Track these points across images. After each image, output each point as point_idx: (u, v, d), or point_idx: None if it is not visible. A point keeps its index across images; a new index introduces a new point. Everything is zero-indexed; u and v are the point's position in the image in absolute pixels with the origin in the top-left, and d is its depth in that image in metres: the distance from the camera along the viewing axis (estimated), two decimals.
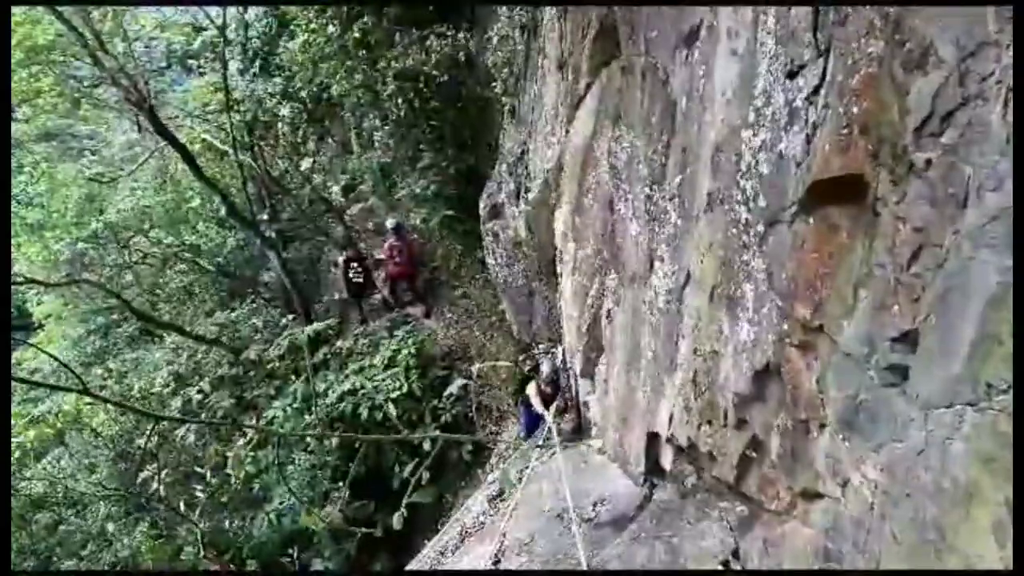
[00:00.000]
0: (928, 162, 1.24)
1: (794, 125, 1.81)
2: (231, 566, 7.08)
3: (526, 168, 7.73)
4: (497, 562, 5.07)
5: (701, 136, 2.66)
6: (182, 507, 5.95)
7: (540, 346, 9.00)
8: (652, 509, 4.09)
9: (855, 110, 1.44)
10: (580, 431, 6.44)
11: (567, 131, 6.11)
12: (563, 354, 8.16)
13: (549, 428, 5.84)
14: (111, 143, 11.43)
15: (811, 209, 1.79)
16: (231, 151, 9.49)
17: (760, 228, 2.16)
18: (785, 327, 2.05)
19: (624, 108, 4.14)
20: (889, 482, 1.51)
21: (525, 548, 5.07)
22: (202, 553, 6.42)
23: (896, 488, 1.48)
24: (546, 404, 6.17)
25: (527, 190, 7.58)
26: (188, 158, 8.12)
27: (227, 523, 7.33)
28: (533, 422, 6.40)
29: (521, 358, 9.36)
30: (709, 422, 3.23)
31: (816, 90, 1.65)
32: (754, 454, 2.62)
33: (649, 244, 3.80)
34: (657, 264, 3.67)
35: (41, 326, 13.14)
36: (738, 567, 3.10)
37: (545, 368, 6.21)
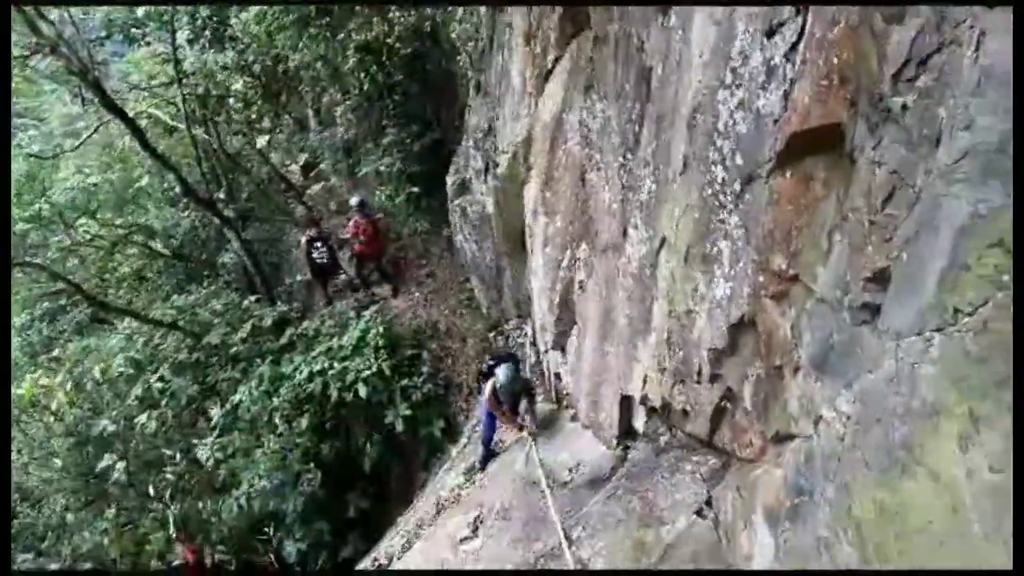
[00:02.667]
0: (904, 107, 1.34)
1: (771, 82, 1.89)
2: (205, 549, 6.95)
3: (494, 143, 7.70)
4: (476, 528, 5.18)
5: (677, 100, 2.73)
6: (151, 491, 5.76)
7: (502, 336, 9.05)
8: (627, 468, 4.25)
9: (835, 60, 1.52)
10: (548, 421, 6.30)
11: (536, 104, 6.11)
12: (531, 330, 8.27)
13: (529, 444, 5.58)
14: (49, 118, 10.66)
15: (787, 163, 1.89)
16: (182, 126, 9.04)
17: (736, 186, 2.25)
18: (761, 279, 2.16)
19: (596, 78, 4.17)
20: (861, 412, 1.64)
21: (502, 513, 5.19)
22: (173, 535, 6.25)
23: (867, 416, 1.60)
24: (511, 409, 5.90)
25: (495, 165, 7.56)
26: (137, 132, 7.69)
27: (199, 506, 7.15)
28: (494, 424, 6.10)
29: (491, 334, 9.43)
30: (683, 381, 3.37)
31: (794, 46, 1.73)
32: (728, 405, 2.76)
33: (623, 212, 3.88)
34: (631, 231, 3.76)
35: None
36: (710, 515, 3.28)
37: (501, 376, 5.54)
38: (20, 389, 6.72)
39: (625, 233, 3.90)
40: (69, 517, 7.16)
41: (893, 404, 1.47)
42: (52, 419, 7.84)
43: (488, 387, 5.67)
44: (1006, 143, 1.09)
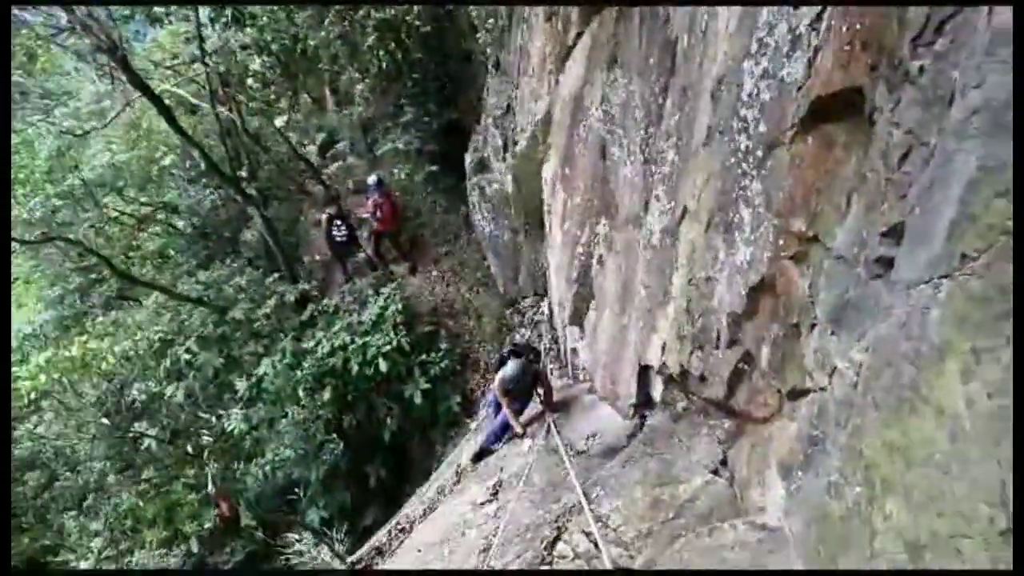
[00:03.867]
0: (921, 68, 1.44)
1: (796, 51, 1.99)
2: (239, 508, 7.28)
3: (513, 121, 7.78)
4: (496, 493, 5.39)
5: (702, 72, 2.83)
6: (189, 449, 6.05)
7: (519, 314, 9.16)
8: (644, 435, 4.41)
9: (857, 27, 1.62)
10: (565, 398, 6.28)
11: (556, 82, 6.18)
12: (548, 307, 8.42)
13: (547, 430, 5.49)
14: (78, 96, 10.90)
15: (810, 129, 2.00)
16: (205, 105, 9.20)
17: (759, 154, 2.36)
18: (781, 242, 2.28)
19: (620, 53, 4.25)
20: (872, 359, 1.77)
21: (521, 479, 5.38)
22: (212, 490, 6.58)
23: (878, 362, 1.73)
24: (521, 404, 5.84)
25: (514, 143, 7.65)
26: (164, 110, 7.87)
27: (232, 466, 7.47)
28: (505, 424, 5.91)
29: (508, 312, 9.60)
30: (701, 347, 3.50)
31: (819, 15, 1.82)
32: (745, 367, 2.89)
33: (644, 185, 3.99)
34: (652, 203, 3.87)
35: None
36: (725, 474, 3.44)
37: (509, 369, 5.54)
38: (71, 352, 7.03)
39: (646, 206, 4.00)
40: (109, 479, 7.52)
41: (903, 349, 1.59)
42: (101, 381, 8.15)
43: (497, 378, 5.69)
44: (1012, 102, 1.20)
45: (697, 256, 3.25)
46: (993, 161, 1.26)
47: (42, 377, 6.60)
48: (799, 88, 2.00)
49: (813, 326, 2.18)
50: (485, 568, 4.06)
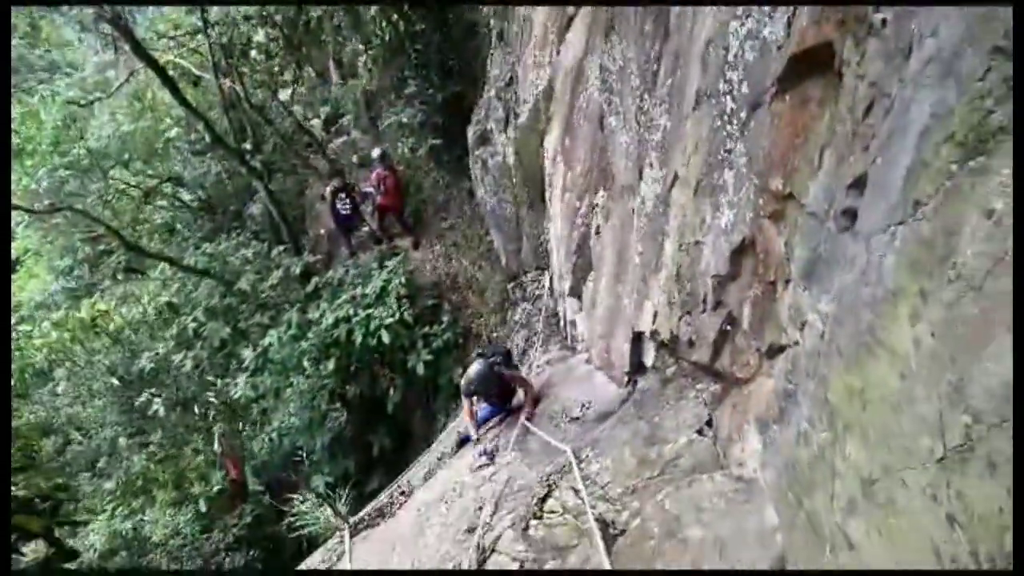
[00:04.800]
0: (884, 21, 1.48)
1: (777, 11, 2.03)
2: (246, 471, 7.53)
3: (515, 93, 7.76)
4: (493, 456, 5.55)
5: (693, 35, 2.85)
6: (196, 410, 6.26)
7: (520, 288, 9.20)
8: (634, 399, 4.53)
9: None
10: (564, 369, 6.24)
11: (557, 52, 6.17)
12: (549, 280, 8.50)
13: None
14: (83, 67, 10.93)
15: (788, 87, 2.04)
16: (208, 76, 9.22)
17: (743, 115, 2.41)
18: (760, 202, 2.34)
19: (617, 20, 4.25)
20: (837, 309, 1.85)
21: (517, 445, 5.55)
22: (219, 452, 6.81)
23: (842, 311, 1.81)
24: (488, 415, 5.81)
25: (516, 115, 7.65)
26: (167, 81, 7.91)
27: (239, 429, 7.71)
28: (485, 416, 5.86)
29: (510, 286, 9.70)
30: (690, 312, 3.58)
31: None
32: (729, 328, 2.98)
33: (639, 154, 4.03)
34: (646, 171, 3.92)
35: (19, 262, 12.99)
36: (709, 434, 3.55)
37: (472, 371, 5.44)
38: (80, 313, 7.23)
39: (640, 174, 4.05)
40: (121, 442, 7.79)
41: (863, 295, 1.67)
42: (109, 341, 8.38)
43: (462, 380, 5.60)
44: (961, 50, 1.25)
45: (687, 222, 3.31)
46: (942, 108, 1.31)
47: (53, 335, 6.79)
48: (779, 47, 2.04)
49: (788, 282, 2.26)
50: (481, 523, 4.23)
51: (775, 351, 2.54)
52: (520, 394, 5.83)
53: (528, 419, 5.30)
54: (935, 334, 1.39)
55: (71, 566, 6.12)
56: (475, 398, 5.69)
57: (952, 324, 1.32)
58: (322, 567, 5.40)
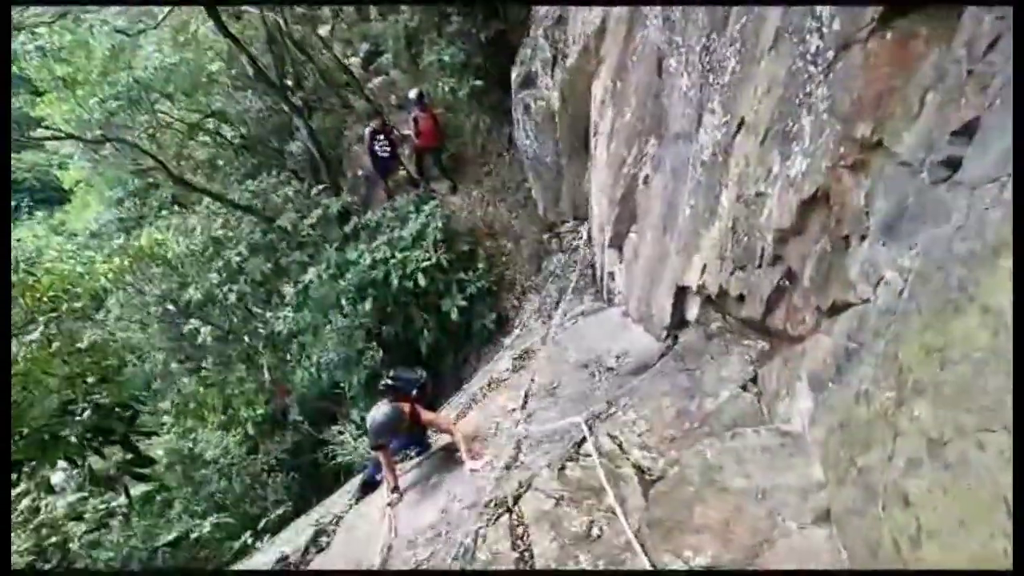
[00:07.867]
0: None
1: None
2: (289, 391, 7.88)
3: (564, 33, 7.42)
4: (525, 403, 5.66)
5: None
6: (247, 339, 6.54)
7: (557, 238, 9.06)
8: (675, 352, 4.52)
9: None
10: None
11: None
12: (587, 230, 8.37)
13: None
14: None
15: (890, 22, 1.88)
16: (250, 9, 9.06)
17: (830, 55, 2.24)
18: (841, 150, 2.21)
19: None
20: (922, 264, 1.76)
21: (550, 390, 5.64)
22: (268, 379, 7.16)
23: (928, 266, 1.73)
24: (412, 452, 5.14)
25: (564, 57, 7.34)
26: (212, 11, 7.80)
27: (285, 358, 8.05)
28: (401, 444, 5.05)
29: (546, 236, 9.62)
30: (743, 267, 3.49)
31: None
32: (787, 283, 2.90)
33: (700, 98, 3.83)
34: (707, 117, 3.74)
35: (72, 191, 13.46)
36: (754, 390, 3.53)
37: (377, 419, 4.54)
38: (139, 241, 7.52)
39: (700, 120, 3.87)
40: (173, 366, 8.24)
41: (957, 250, 1.58)
42: (159, 270, 8.71)
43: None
44: None
45: (750, 172, 3.17)
46: None
47: (116, 260, 7.10)
48: None
49: (863, 238, 2.16)
50: (518, 464, 4.36)
51: (838, 308, 2.46)
52: (443, 436, 5.09)
53: (473, 459, 4.52)
54: None
55: (146, 471, 6.62)
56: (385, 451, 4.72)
57: None
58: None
